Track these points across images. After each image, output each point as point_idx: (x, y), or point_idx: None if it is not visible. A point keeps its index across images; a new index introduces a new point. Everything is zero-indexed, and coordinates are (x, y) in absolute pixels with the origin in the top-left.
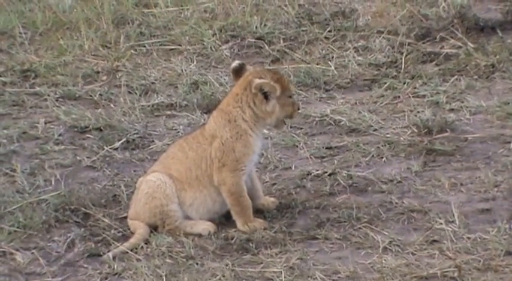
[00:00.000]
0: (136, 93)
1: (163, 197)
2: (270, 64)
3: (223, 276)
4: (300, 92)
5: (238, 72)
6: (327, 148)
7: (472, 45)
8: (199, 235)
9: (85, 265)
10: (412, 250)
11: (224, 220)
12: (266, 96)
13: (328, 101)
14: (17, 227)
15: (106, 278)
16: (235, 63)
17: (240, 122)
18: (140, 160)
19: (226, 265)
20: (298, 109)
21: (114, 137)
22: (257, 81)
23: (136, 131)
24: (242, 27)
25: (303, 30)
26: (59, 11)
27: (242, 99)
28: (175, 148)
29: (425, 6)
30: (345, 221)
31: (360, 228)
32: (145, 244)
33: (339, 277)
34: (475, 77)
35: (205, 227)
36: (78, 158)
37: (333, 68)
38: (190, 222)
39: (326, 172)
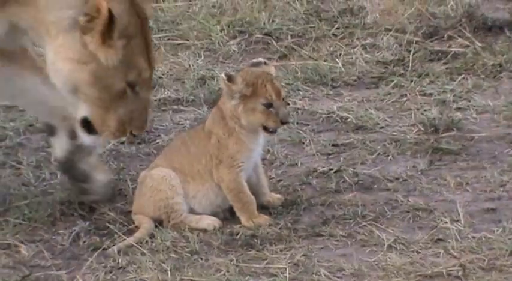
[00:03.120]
0: None
1: (169, 189)
2: (277, 60)
3: (228, 271)
4: (307, 88)
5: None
6: (333, 145)
7: (479, 45)
8: (204, 230)
9: (89, 259)
10: (417, 248)
11: (229, 215)
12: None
13: (335, 98)
14: (22, 220)
15: (110, 272)
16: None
17: (228, 119)
18: (146, 154)
19: (231, 261)
20: (283, 123)
21: None
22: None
23: None
24: (250, 23)
25: (310, 27)
26: None
27: (227, 95)
28: (178, 141)
29: (434, 4)
30: (350, 219)
31: (365, 226)
32: (150, 238)
33: (343, 274)
34: (482, 76)
35: (210, 222)
36: None
37: (340, 65)
38: (196, 217)
39: (332, 169)
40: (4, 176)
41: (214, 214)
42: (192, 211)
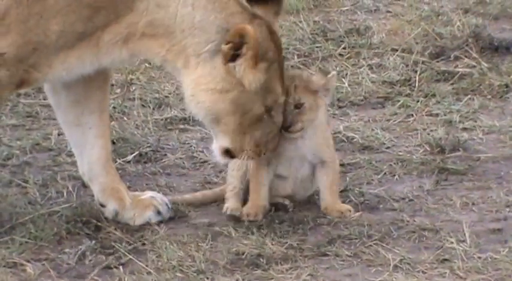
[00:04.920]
0: (149, 107)
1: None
2: None
3: None
4: None
5: None
6: (339, 165)
7: (486, 65)
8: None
9: (95, 278)
10: (423, 268)
11: (235, 233)
12: None
13: (342, 118)
14: (28, 239)
15: None
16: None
17: None
18: (152, 173)
19: (237, 280)
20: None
21: (127, 150)
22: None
23: (149, 145)
24: None
25: (317, 47)
26: None
27: None
28: None
29: (440, 25)
30: (356, 238)
31: (370, 245)
32: (156, 257)
33: None
34: (489, 96)
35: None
36: None
37: (346, 85)
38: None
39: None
40: (10, 195)
41: None
42: None
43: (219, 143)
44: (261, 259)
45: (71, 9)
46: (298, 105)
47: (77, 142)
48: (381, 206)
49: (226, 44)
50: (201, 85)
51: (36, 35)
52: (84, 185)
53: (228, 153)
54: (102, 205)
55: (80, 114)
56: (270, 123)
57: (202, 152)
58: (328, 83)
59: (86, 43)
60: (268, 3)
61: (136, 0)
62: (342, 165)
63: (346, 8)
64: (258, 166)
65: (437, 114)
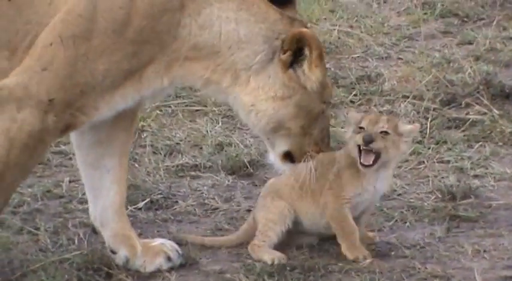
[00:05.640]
0: (161, 154)
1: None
2: None
3: None
4: None
5: None
6: None
7: (497, 112)
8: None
9: None
10: None
11: (246, 280)
12: None
13: None
14: None
15: None
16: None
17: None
18: (164, 220)
19: None
20: (364, 141)
21: (138, 197)
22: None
23: (160, 192)
24: None
25: None
26: None
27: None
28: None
29: (451, 72)
30: None
31: None
32: None
33: None
34: (500, 143)
35: (272, 256)
36: None
37: None
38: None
39: None
40: (21, 242)
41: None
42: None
43: (278, 149)
44: None
45: (116, 47)
46: (384, 133)
47: (92, 185)
48: (392, 253)
49: (284, 52)
50: (259, 96)
51: (83, 76)
52: (95, 232)
53: (289, 157)
54: (113, 252)
55: (100, 156)
56: (324, 118)
57: (214, 199)
58: (414, 131)
59: (130, 81)
60: (283, 7)
61: (179, 27)
62: None
63: (357, 55)
64: (342, 211)
65: (448, 161)
